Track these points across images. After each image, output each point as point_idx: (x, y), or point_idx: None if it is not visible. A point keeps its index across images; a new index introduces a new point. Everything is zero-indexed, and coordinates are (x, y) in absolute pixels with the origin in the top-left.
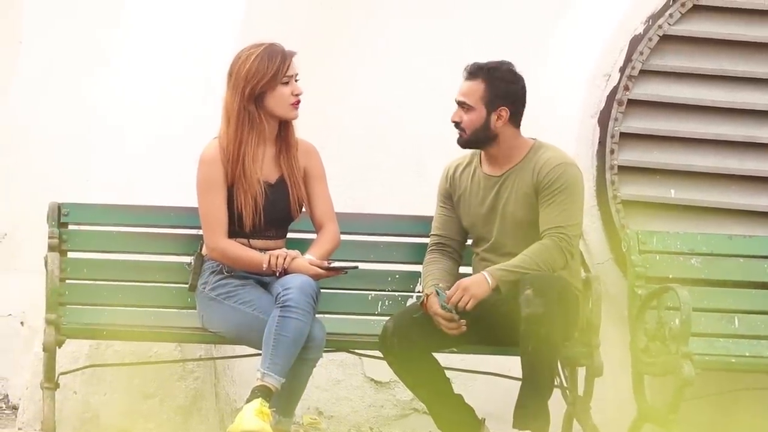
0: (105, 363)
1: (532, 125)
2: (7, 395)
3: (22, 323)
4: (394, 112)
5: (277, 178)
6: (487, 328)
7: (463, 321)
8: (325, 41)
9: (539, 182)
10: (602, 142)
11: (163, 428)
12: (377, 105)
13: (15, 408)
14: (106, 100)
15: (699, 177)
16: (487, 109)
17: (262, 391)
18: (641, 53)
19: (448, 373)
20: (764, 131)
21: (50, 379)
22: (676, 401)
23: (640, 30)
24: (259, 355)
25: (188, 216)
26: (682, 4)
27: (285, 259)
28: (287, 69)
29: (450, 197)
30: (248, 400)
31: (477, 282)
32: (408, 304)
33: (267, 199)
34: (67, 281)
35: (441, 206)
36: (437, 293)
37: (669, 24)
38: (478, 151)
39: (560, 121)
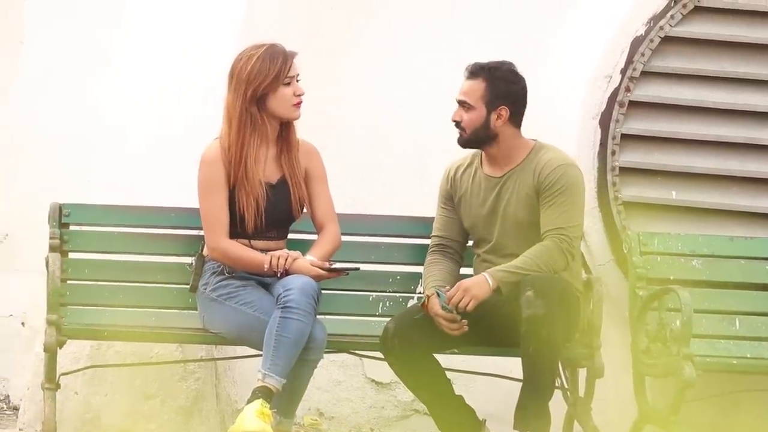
0: (106, 364)
1: (532, 126)
2: (8, 396)
3: (23, 324)
4: (395, 112)
5: (278, 178)
6: (488, 329)
7: (464, 321)
8: (325, 41)
9: (540, 183)
10: (603, 144)
11: (164, 429)
12: (378, 105)
13: (16, 408)
14: (106, 101)
15: (700, 178)
16: (488, 109)
17: (263, 392)
18: (642, 54)
19: (449, 374)
20: (765, 133)
21: (51, 380)
22: (677, 403)
23: (642, 31)
24: (260, 356)
25: (189, 217)
26: (684, 6)
27: (286, 259)
28: (289, 70)
29: (451, 198)
30: (249, 401)
31: (478, 283)
32: (409, 305)
33: (268, 200)
34: (68, 282)
35: (442, 207)
36: (438, 294)
37: (670, 25)
38: (479, 152)
39: (561, 122)
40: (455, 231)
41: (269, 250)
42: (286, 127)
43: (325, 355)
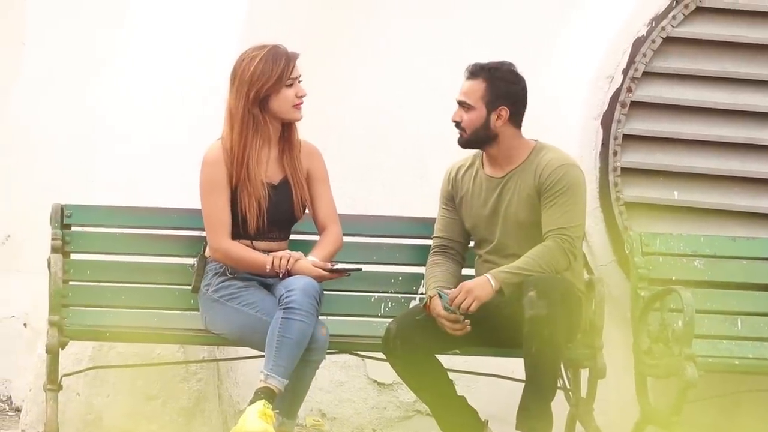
0: (108, 365)
1: (534, 127)
2: (10, 397)
3: (25, 325)
4: (395, 112)
5: (280, 179)
6: (491, 329)
7: (467, 321)
8: (326, 41)
9: (541, 184)
10: (605, 144)
11: (166, 430)
12: (378, 105)
13: (18, 410)
14: (108, 101)
15: (701, 179)
16: (488, 109)
17: (265, 393)
18: (644, 55)
19: (451, 375)
20: (766, 133)
21: (53, 381)
22: (679, 403)
23: (643, 32)
24: (263, 356)
25: (191, 217)
26: (685, 6)
27: (288, 260)
28: (291, 71)
29: (452, 199)
30: (251, 402)
31: (480, 284)
32: (411, 305)
33: (270, 201)
34: (70, 283)
35: (443, 208)
36: (440, 295)
37: (672, 26)
38: (480, 152)
39: (563, 122)
40: (457, 232)
41: (271, 251)
42: (287, 128)
43: (327, 356)
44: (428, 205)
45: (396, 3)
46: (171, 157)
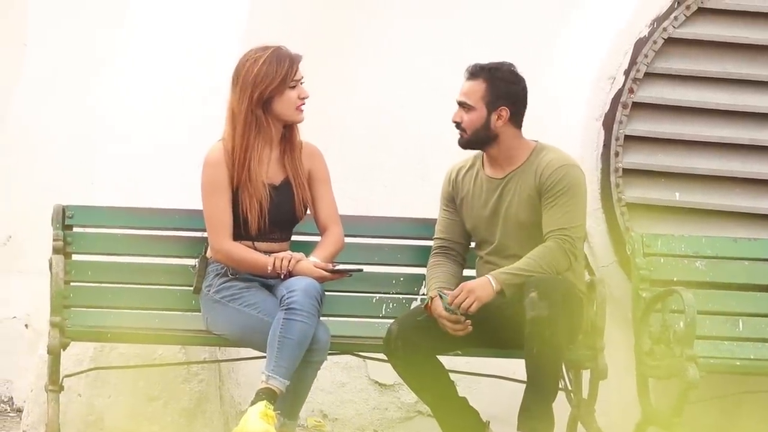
0: (109, 365)
1: (536, 127)
2: (12, 398)
3: (26, 326)
4: (396, 113)
5: (281, 180)
6: (492, 330)
7: (468, 321)
8: (327, 41)
9: (542, 184)
10: (607, 145)
11: (167, 431)
12: (379, 105)
13: (19, 410)
14: (109, 102)
15: (703, 180)
16: (488, 109)
17: (267, 394)
18: (646, 56)
19: (452, 376)
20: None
21: (54, 382)
22: (680, 404)
23: (645, 33)
24: (264, 357)
25: (193, 218)
26: (687, 7)
27: (290, 261)
28: (295, 73)
29: (453, 200)
30: (253, 403)
31: (482, 285)
32: (412, 306)
33: (272, 202)
34: (72, 284)
35: (444, 209)
36: (440, 297)
37: (674, 27)
38: (480, 153)
39: (565, 123)
40: (457, 233)
41: (273, 252)
42: (288, 129)
43: (328, 357)
44: (429, 204)
45: (397, 3)
46: (171, 157)
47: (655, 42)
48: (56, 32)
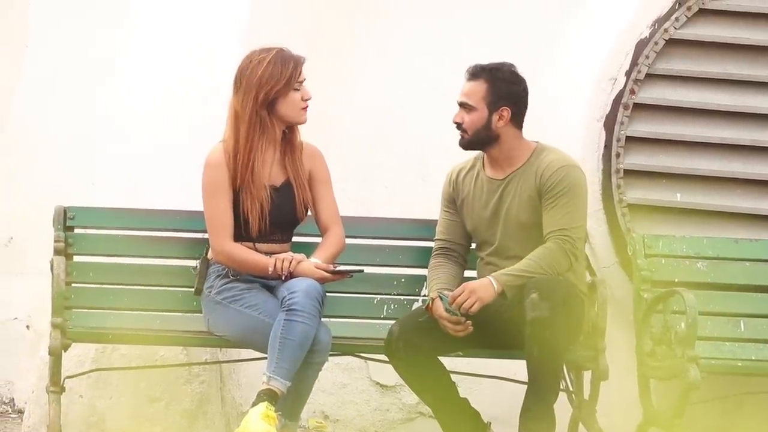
0: (111, 367)
1: (537, 128)
2: (13, 399)
3: (27, 327)
4: (396, 113)
5: (282, 181)
6: (493, 331)
7: (468, 321)
8: (327, 42)
9: (542, 185)
10: (608, 146)
11: None
12: (380, 105)
13: (21, 412)
14: (110, 102)
15: (704, 181)
16: (489, 110)
17: (268, 395)
18: (647, 57)
19: (453, 377)
20: None
21: (56, 383)
22: (681, 405)
23: (646, 34)
24: (265, 358)
25: (193, 219)
26: (688, 8)
27: (291, 262)
28: (299, 75)
29: (453, 201)
30: (254, 404)
31: (483, 286)
32: (413, 307)
33: (273, 203)
34: (73, 285)
35: (445, 210)
36: (441, 298)
37: (675, 28)
38: (481, 154)
39: (565, 124)
40: (458, 234)
41: (274, 253)
42: (289, 130)
43: (329, 358)
44: (429, 205)
45: (398, 3)
46: (171, 158)
47: (656, 43)
48: (57, 33)
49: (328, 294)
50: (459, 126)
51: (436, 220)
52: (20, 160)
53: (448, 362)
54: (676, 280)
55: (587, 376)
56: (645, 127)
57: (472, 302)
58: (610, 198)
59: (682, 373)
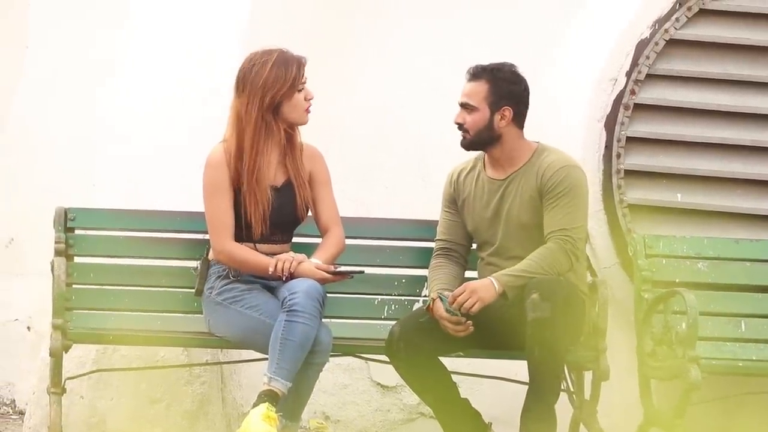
0: (112, 368)
1: (538, 129)
2: (14, 400)
3: (28, 328)
4: (396, 113)
5: (283, 181)
6: (494, 332)
7: (469, 322)
8: (327, 42)
9: (543, 185)
10: (608, 147)
11: None
12: (380, 105)
13: (22, 413)
14: (110, 103)
15: (704, 181)
16: (491, 110)
17: (269, 396)
18: (647, 57)
19: (454, 378)
20: None
21: (57, 384)
22: (682, 405)
23: (647, 34)
24: (266, 359)
25: (194, 220)
26: (689, 9)
27: (291, 263)
28: (302, 76)
29: (454, 202)
30: (255, 405)
31: (484, 286)
32: (414, 308)
33: (274, 204)
34: (74, 286)
35: (445, 211)
36: (441, 299)
37: (675, 28)
38: (482, 155)
39: (566, 125)
40: (459, 234)
41: (274, 254)
42: (291, 130)
43: (330, 359)
44: (430, 205)
45: (398, 3)
46: (171, 159)
47: (656, 43)
48: (57, 34)
49: (328, 295)
50: (461, 126)
51: (437, 221)
52: (20, 161)
53: (449, 363)
54: (677, 280)
55: (588, 376)
56: (645, 128)
57: (473, 302)
58: (610, 198)
59: (682, 374)
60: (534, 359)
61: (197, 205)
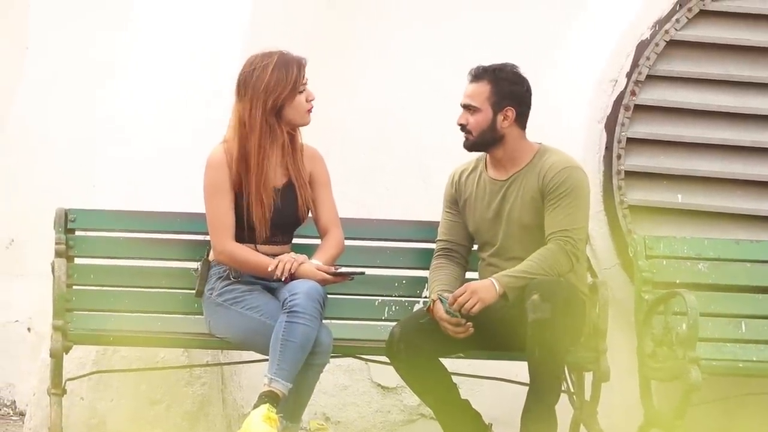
0: (112, 369)
1: (539, 130)
2: (15, 401)
3: (29, 329)
4: (397, 115)
5: (284, 182)
6: (494, 333)
7: (469, 323)
8: (329, 44)
9: (545, 186)
10: (609, 148)
11: None
12: (381, 107)
13: (22, 414)
14: (112, 105)
15: (705, 182)
16: (494, 110)
17: (270, 397)
18: (648, 58)
19: (454, 379)
20: None
21: (57, 385)
22: (683, 406)
23: (647, 35)
24: (266, 360)
25: (195, 221)
26: (689, 10)
27: (292, 264)
28: (303, 78)
29: (456, 202)
30: (255, 406)
31: (485, 287)
32: (415, 309)
33: (274, 205)
34: (74, 287)
35: (447, 212)
36: (441, 300)
37: (676, 29)
38: (483, 155)
39: (567, 126)
40: (460, 235)
41: (275, 255)
42: (292, 131)
43: (331, 360)
44: (431, 207)
45: (399, 6)
46: (174, 161)
47: (657, 44)
48: (58, 35)
49: (329, 296)
50: (463, 128)
51: (437, 222)
52: (21, 162)
53: (450, 364)
54: (677, 281)
55: (588, 377)
56: (646, 129)
57: (474, 303)
58: (611, 199)
59: (683, 375)
60: (534, 360)
61: (199, 206)
